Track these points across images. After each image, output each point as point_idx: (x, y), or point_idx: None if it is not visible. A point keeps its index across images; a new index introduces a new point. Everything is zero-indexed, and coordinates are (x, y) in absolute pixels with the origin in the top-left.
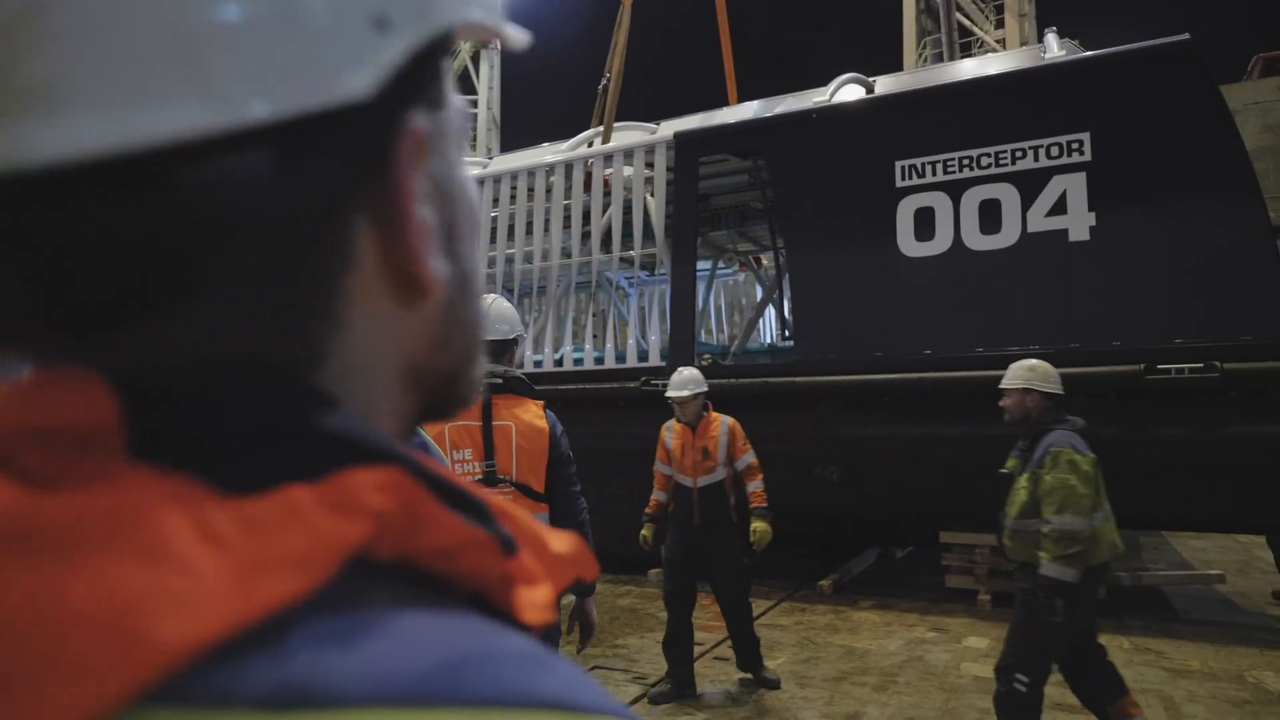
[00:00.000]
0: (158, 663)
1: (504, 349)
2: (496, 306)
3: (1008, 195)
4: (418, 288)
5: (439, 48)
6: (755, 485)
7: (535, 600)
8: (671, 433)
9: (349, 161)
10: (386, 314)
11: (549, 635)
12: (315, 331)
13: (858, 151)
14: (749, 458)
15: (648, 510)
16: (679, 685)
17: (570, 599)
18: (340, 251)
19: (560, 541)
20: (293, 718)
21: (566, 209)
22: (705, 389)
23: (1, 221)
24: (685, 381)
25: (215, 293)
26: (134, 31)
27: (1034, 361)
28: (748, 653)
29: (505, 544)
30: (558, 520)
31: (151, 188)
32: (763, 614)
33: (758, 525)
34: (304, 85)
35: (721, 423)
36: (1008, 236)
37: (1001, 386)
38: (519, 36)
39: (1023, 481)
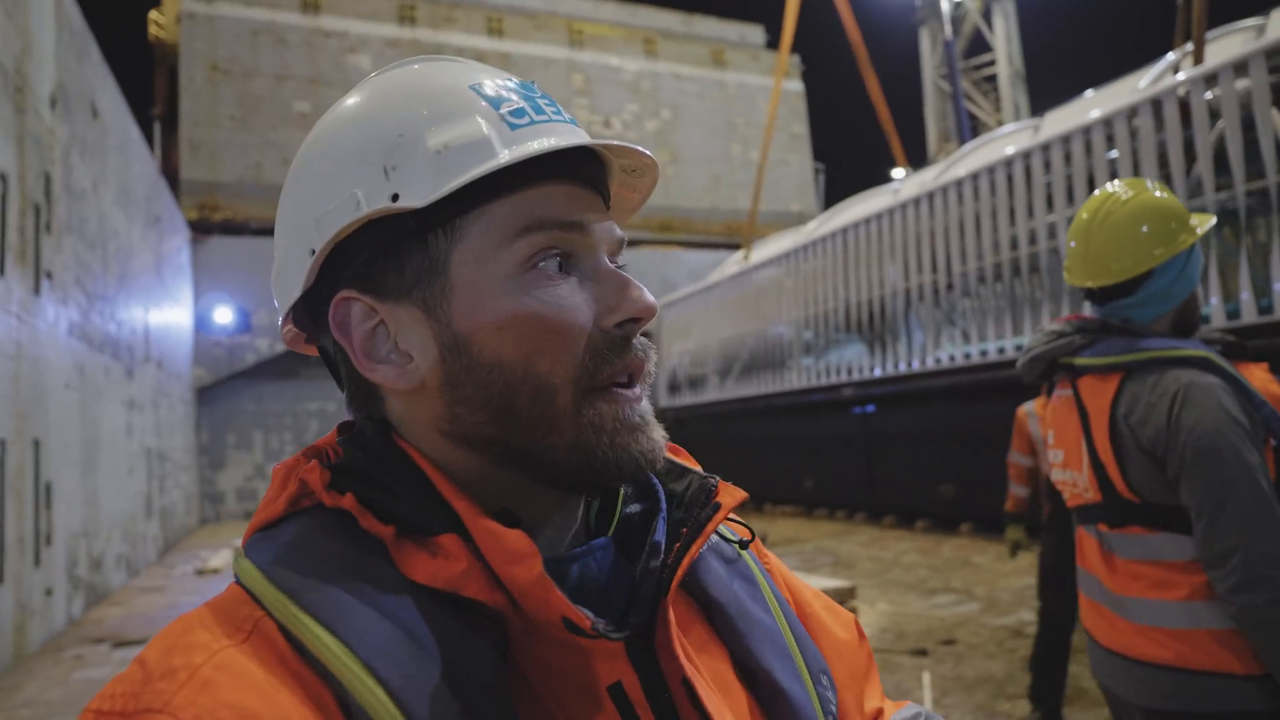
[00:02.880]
0: (250, 531)
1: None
2: None
3: None
4: (381, 386)
5: (356, 247)
6: None
7: (428, 569)
8: None
9: (312, 319)
10: (401, 396)
11: None
12: (373, 403)
13: None
14: None
15: None
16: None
17: None
18: (350, 368)
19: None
20: (239, 559)
21: (1160, 145)
22: None
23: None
24: None
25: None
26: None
27: None
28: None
29: (404, 524)
30: None
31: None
32: None
33: None
34: (290, 292)
35: None
36: None
37: None
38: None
39: None
